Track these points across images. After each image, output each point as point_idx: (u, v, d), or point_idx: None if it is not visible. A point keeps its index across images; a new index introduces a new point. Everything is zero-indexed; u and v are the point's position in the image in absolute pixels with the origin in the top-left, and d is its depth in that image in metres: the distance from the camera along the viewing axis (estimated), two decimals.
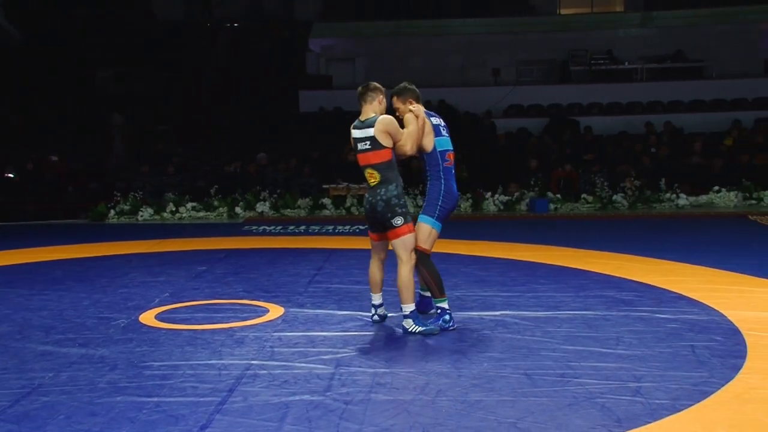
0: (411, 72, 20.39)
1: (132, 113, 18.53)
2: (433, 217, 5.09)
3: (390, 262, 5.17)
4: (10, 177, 14.93)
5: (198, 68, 20.50)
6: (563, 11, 21.22)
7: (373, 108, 4.99)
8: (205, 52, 21.14)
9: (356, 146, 4.98)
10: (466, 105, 18.25)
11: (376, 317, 5.24)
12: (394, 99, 5.22)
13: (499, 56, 20.39)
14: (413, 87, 5.27)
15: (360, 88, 5.11)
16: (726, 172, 13.99)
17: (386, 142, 4.87)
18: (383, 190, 4.87)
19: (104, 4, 21.11)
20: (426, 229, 5.07)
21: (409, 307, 4.93)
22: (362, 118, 4.98)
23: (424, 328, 4.91)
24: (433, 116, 5.24)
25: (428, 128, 5.12)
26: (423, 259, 5.06)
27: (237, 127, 17.98)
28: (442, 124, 5.29)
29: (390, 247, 5.08)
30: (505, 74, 20.03)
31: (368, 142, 4.88)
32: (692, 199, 13.40)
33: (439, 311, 5.10)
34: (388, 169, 4.90)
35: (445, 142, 5.19)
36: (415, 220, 5.07)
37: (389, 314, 5.30)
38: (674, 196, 13.34)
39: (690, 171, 14.21)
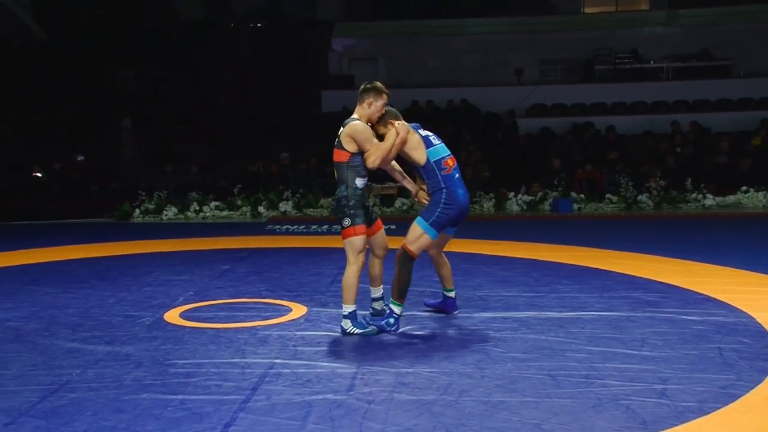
0: (432, 72, 20.48)
1: (154, 113, 18.70)
2: (427, 221, 5.00)
3: (416, 275, 5.16)
4: (38, 176, 15.13)
5: (220, 68, 20.61)
6: (587, 10, 21.08)
7: (360, 109, 4.98)
8: (227, 52, 21.25)
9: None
10: (489, 105, 18.21)
11: (371, 310, 5.36)
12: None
13: (522, 56, 20.32)
14: (391, 109, 5.10)
15: (363, 85, 5.11)
16: (754, 171, 13.82)
17: (349, 146, 4.86)
18: (337, 190, 4.97)
19: (126, 4, 21.30)
20: (417, 232, 5.00)
21: (348, 308, 4.88)
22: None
23: (362, 330, 4.86)
24: (419, 129, 5.17)
25: (415, 142, 5.03)
26: (404, 259, 4.99)
27: (259, 127, 18.07)
28: (432, 134, 5.21)
29: (387, 240, 5.27)
30: (528, 74, 19.93)
31: (336, 140, 4.93)
32: (719, 199, 13.24)
33: (388, 310, 5.03)
34: (342, 169, 4.91)
35: (439, 150, 5.11)
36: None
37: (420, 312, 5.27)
38: (700, 196, 13.18)
39: (717, 171, 14.05)
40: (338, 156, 4.91)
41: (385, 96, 5.01)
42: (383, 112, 5.02)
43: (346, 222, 4.87)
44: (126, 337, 4.94)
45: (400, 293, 4.99)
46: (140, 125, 17.41)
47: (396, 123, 5.01)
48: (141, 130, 17.19)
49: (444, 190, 5.02)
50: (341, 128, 4.95)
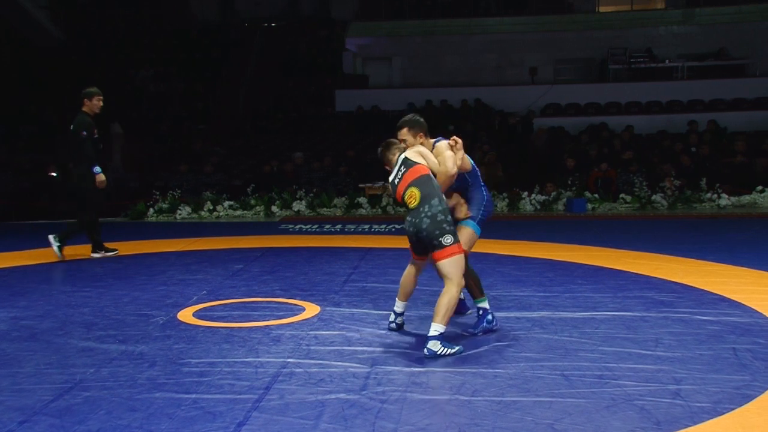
0: (447, 71, 20.47)
1: (171, 112, 18.80)
2: (475, 221, 5.10)
3: (428, 275, 5.08)
4: (53, 176, 15.23)
5: (235, 68, 20.70)
6: (602, 9, 20.98)
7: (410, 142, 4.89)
8: (242, 52, 21.33)
9: (393, 187, 4.77)
10: (503, 104, 18.16)
11: (393, 325, 5.02)
12: (405, 131, 4.94)
13: (536, 55, 20.26)
14: (422, 120, 5.06)
15: (380, 148, 4.95)
16: None
17: (419, 159, 4.67)
18: (426, 206, 4.51)
19: (144, 5, 21.44)
20: (468, 233, 5.05)
21: (440, 329, 4.43)
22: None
23: (453, 350, 4.43)
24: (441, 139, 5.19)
25: (461, 153, 4.99)
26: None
27: (274, 127, 18.13)
28: None
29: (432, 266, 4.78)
30: (542, 73, 19.86)
31: (402, 166, 4.69)
32: (734, 199, 13.14)
33: (480, 312, 5.04)
34: (427, 184, 4.57)
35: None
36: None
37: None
38: (715, 196, 13.09)
39: (732, 170, 13.94)
40: (416, 172, 4.62)
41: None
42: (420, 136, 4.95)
43: (448, 239, 4.47)
44: (140, 336, 4.96)
45: (479, 289, 5.08)
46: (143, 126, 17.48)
47: (431, 141, 5.00)
48: (136, 132, 17.20)
49: (483, 189, 5.18)
50: (397, 162, 4.76)
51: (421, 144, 4.91)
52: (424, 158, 4.73)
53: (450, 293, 4.47)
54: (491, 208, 5.24)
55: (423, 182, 4.60)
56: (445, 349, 4.42)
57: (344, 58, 20.90)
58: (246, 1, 23.99)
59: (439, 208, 4.52)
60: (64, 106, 18.15)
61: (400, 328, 5.04)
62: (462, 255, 4.57)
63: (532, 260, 7.86)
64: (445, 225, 4.49)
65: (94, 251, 8.55)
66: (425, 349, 4.39)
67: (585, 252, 8.32)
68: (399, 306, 5.03)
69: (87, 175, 8.26)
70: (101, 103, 8.44)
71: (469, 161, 5.09)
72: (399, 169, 4.72)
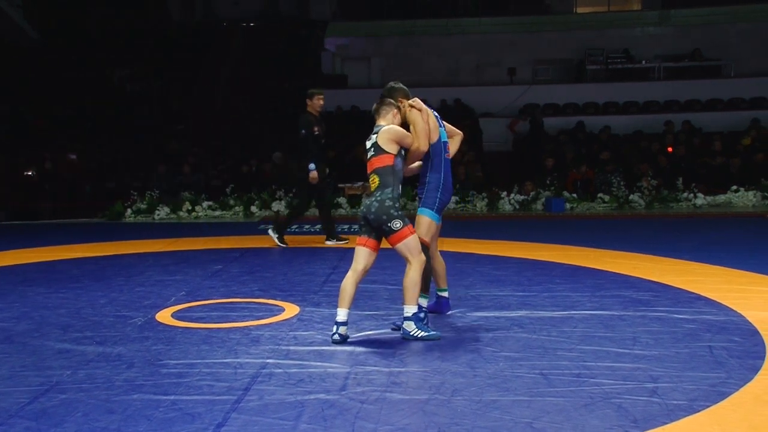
0: (426, 71, 20.48)
1: (148, 112, 18.66)
2: (432, 209, 5.09)
3: (377, 267, 5.09)
4: (29, 176, 15.07)
5: (214, 68, 20.58)
6: (580, 10, 21.13)
7: (386, 121, 4.94)
8: (220, 52, 21.22)
9: (366, 156, 4.92)
10: (482, 104, 18.21)
11: (336, 336, 4.67)
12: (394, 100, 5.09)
13: (514, 55, 20.34)
14: (400, 85, 5.19)
15: (375, 104, 5.06)
16: (744, 171, 13.88)
17: (390, 148, 4.79)
18: (379, 192, 4.73)
19: (121, 5, 21.26)
20: (426, 222, 5.07)
21: (411, 309, 4.69)
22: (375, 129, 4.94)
23: (426, 333, 4.70)
24: (431, 108, 5.23)
25: (433, 122, 5.09)
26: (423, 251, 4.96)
27: (252, 127, 18.05)
28: (438, 116, 5.29)
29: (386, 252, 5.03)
30: (521, 73, 19.95)
31: (373, 149, 4.84)
32: (710, 198, 13.30)
33: (441, 300, 5.14)
34: (387, 174, 4.77)
35: (443, 134, 5.19)
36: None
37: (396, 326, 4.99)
38: (691, 195, 13.24)
39: (708, 170, 14.11)
40: (381, 161, 4.78)
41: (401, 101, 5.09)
42: (400, 101, 5.07)
43: (397, 224, 4.66)
44: (117, 338, 4.92)
45: (443, 280, 5.14)
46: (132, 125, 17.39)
47: (410, 102, 5.07)
48: (113, 132, 17.08)
49: (442, 174, 5.11)
50: (368, 141, 4.90)
51: (412, 105, 5.05)
52: (399, 143, 4.84)
53: (411, 273, 4.69)
54: (448, 196, 5.17)
55: (384, 172, 4.78)
56: (419, 331, 4.69)
57: (323, 58, 20.86)
58: (224, 1, 23.85)
59: (389, 195, 4.72)
60: (38, 104, 18.01)
61: (344, 339, 4.69)
62: (415, 235, 4.75)
63: (511, 260, 7.89)
64: (392, 210, 4.68)
65: (328, 239, 9.20)
66: (401, 330, 4.70)
67: (563, 251, 8.38)
68: (340, 314, 4.71)
69: (303, 169, 8.76)
70: (322, 102, 8.81)
71: (436, 133, 5.08)
72: (369, 150, 4.87)
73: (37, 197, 14.25)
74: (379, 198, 4.72)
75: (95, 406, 3.64)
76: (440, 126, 5.18)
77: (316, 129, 8.65)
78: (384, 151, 4.80)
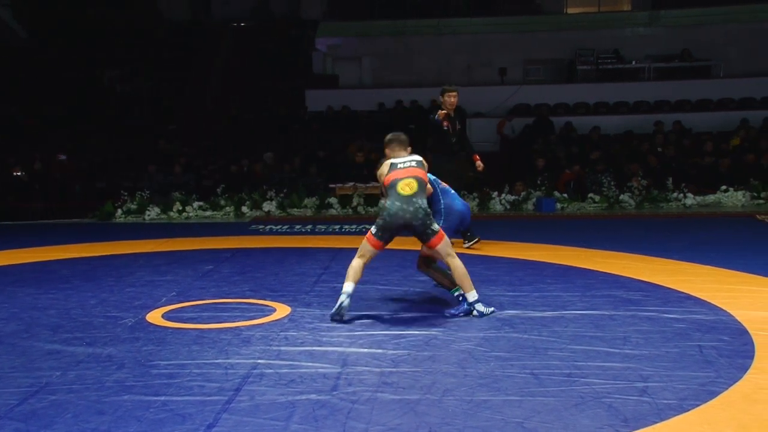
0: (417, 71, 20.50)
1: (139, 112, 18.59)
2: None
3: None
4: (18, 176, 14.98)
5: (204, 68, 20.53)
6: (570, 10, 21.16)
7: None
8: (211, 52, 21.16)
9: (391, 167, 5.39)
10: (473, 104, 18.19)
11: (346, 303, 5.22)
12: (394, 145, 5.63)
13: (505, 55, 20.35)
14: (398, 136, 5.68)
15: (391, 135, 5.67)
16: (733, 171, 13.95)
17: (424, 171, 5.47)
18: (421, 200, 5.26)
19: (111, 4, 21.17)
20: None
21: (472, 295, 5.33)
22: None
23: (490, 309, 5.39)
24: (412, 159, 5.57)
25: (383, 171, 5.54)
26: (431, 262, 5.65)
27: (243, 127, 18.01)
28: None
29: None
30: (511, 73, 19.98)
31: (412, 163, 5.41)
32: (699, 198, 13.35)
33: (460, 297, 5.49)
34: (424, 187, 5.38)
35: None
36: None
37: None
38: (681, 195, 13.29)
39: (697, 170, 14.17)
40: (423, 176, 5.42)
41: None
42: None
43: (436, 227, 5.33)
44: (108, 339, 4.91)
45: (450, 282, 5.55)
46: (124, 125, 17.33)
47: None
48: (103, 132, 16.99)
49: (442, 204, 5.91)
50: (413, 158, 5.51)
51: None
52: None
53: (457, 265, 5.32)
54: (455, 219, 5.99)
55: (421, 183, 5.37)
56: (488, 308, 5.38)
57: (314, 58, 20.83)
58: (215, 1, 23.78)
59: (425, 204, 5.36)
60: (27, 104, 17.91)
61: (343, 310, 5.25)
62: (447, 236, 5.45)
63: (502, 260, 7.91)
64: (430, 216, 5.36)
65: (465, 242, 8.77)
66: (474, 311, 5.32)
67: (554, 251, 8.40)
68: (348, 287, 5.23)
69: (438, 162, 8.45)
70: (453, 99, 8.60)
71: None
72: (410, 162, 5.42)
73: (27, 197, 14.16)
74: (423, 206, 5.27)
75: (85, 407, 3.62)
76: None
77: (445, 125, 8.46)
78: (424, 170, 5.44)
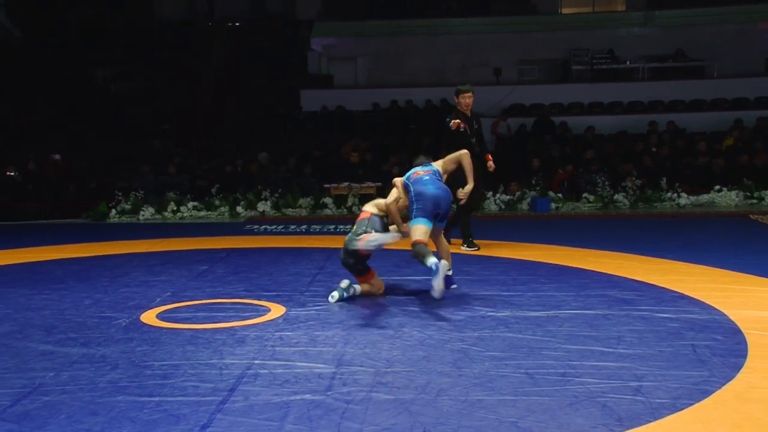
0: (412, 71, 20.51)
1: (133, 112, 18.55)
2: (416, 218, 5.84)
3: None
4: (12, 176, 14.93)
5: (199, 67, 20.49)
6: (565, 10, 21.21)
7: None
8: (206, 52, 21.13)
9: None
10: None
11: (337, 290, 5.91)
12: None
13: (500, 55, 20.37)
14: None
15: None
16: (727, 171, 13.99)
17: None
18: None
19: (105, 4, 21.12)
20: (415, 227, 5.83)
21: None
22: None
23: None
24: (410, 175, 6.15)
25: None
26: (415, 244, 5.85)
27: (238, 127, 17.99)
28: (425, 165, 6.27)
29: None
30: (506, 73, 20.00)
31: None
32: (693, 198, 13.39)
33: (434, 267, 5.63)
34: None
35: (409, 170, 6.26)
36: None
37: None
38: (675, 195, 13.32)
39: (691, 170, 14.20)
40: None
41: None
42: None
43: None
44: (102, 339, 4.90)
45: (425, 253, 5.65)
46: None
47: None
48: (97, 132, 16.94)
49: (411, 193, 5.96)
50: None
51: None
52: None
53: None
54: (428, 203, 5.86)
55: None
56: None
57: (309, 58, 20.81)
58: (209, 1, 23.74)
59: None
60: (21, 104, 17.85)
61: (344, 291, 5.94)
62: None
63: (496, 259, 7.92)
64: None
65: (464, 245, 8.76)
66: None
67: (548, 251, 8.41)
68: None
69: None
70: (468, 100, 8.58)
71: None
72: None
73: (20, 197, 14.12)
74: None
75: (79, 407, 3.62)
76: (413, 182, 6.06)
77: (462, 126, 8.25)
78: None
